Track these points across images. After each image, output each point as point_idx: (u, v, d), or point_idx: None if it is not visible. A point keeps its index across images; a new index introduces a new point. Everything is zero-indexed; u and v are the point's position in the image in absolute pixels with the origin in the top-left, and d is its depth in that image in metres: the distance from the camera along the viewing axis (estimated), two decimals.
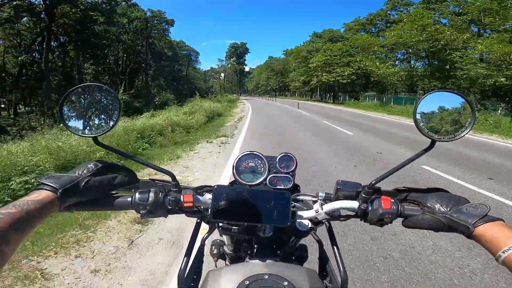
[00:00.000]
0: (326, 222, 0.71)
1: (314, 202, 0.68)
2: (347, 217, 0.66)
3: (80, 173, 0.58)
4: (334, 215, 0.66)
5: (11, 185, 3.33)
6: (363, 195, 0.61)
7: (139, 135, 7.38)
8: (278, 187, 0.75)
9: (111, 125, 0.59)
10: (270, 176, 0.75)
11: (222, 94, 55.43)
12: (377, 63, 24.08)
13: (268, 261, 0.62)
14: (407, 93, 26.81)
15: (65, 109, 0.58)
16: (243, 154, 0.75)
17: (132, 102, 28.41)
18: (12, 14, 22.54)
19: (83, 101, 0.60)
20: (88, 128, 0.59)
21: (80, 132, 0.59)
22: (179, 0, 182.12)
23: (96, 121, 0.60)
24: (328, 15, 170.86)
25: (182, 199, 0.62)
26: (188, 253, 0.65)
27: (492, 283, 2.11)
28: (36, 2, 24.08)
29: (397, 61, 25.20)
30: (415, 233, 2.73)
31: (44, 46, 25.55)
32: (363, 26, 43.56)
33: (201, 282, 0.62)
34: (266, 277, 0.54)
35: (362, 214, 0.62)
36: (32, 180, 3.44)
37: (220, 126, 11.89)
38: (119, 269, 2.26)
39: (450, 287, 2.09)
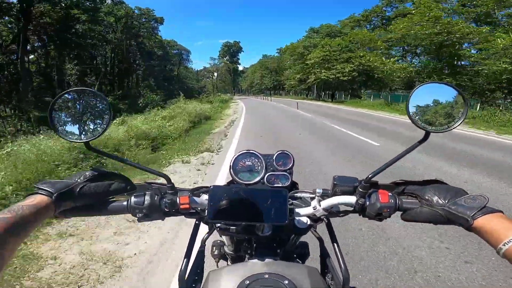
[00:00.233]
0: (325, 219, 0.70)
1: (312, 199, 0.68)
2: (346, 212, 0.66)
3: (77, 179, 0.58)
4: (332, 211, 0.65)
5: None
6: (360, 189, 0.60)
7: (82, 155, 5.11)
8: (275, 185, 0.75)
9: (102, 130, 0.58)
10: (267, 175, 0.75)
11: (214, 94, 53.36)
12: (383, 58, 21.95)
13: (268, 260, 0.62)
14: (404, 91, 25.00)
15: (55, 114, 0.56)
16: (240, 153, 0.75)
17: (117, 104, 26.28)
18: None
19: (72, 106, 0.59)
20: (79, 133, 0.58)
21: (71, 138, 0.58)
22: (170, 1, 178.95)
23: (87, 126, 0.59)
24: (322, 13, 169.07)
25: (178, 201, 0.61)
26: (188, 254, 0.66)
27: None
28: (10, 0, 22.15)
29: (402, 56, 22.91)
30: None
31: (20, 46, 23.57)
32: (358, 23, 42.71)
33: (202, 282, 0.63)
34: (266, 276, 0.54)
35: (360, 209, 0.61)
36: None
37: (206, 134, 9.62)
38: None
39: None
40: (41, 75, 34.24)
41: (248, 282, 0.52)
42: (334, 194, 0.65)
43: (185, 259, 0.64)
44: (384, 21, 41.78)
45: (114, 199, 0.63)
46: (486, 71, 15.46)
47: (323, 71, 29.47)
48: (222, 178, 4.46)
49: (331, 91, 36.12)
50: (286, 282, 0.53)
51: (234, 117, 15.68)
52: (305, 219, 0.67)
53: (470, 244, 2.51)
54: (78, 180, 0.58)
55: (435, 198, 0.55)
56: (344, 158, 5.95)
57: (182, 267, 0.63)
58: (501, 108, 14.20)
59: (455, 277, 2.12)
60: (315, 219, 0.68)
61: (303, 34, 38.96)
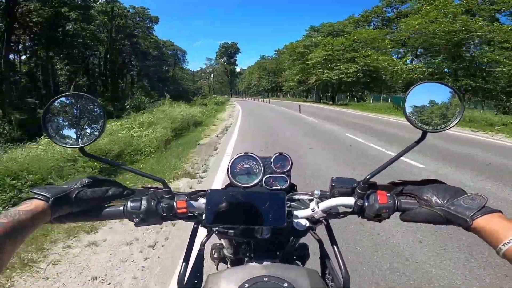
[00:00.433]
0: (324, 221, 0.70)
1: (311, 200, 0.67)
2: (344, 214, 0.65)
3: (73, 185, 0.58)
4: (331, 213, 0.65)
5: None
6: (359, 190, 0.60)
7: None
8: (274, 187, 0.75)
9: (96, 135, 0.58)
10: (265, 177, 0.74)
11: (210, 96, 51.43)
12: (394, 58, 20.03)
13: (267, 263, 0.62)
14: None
15: (48, 120, 0.56)
16: (237, 156, 0.75)
17: (105, 107, 24.36)
18: None
19: (66, 111, 0.58)
20: (73, 139, 0.58)
21: (65, 143, 0.57)
22: (167, 1, 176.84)
23: (81, 131, 0.58)
24: (321, 14, 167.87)
25: (175, 206, 0.61)
26: (186, 258, 0.65)
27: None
28: None
29: (415, 56, 20.99)
30: None
31: (4, 45, 22.03)
32: (358, 24, 41.57)
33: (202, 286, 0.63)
34: (266, 279, 0.54)
35: (359, 210, 0.61)
36: None
37: (191, 147, 7.60)
38: None
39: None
40: (27, 75, 32.51)
41: (247, 285, 0.52)
42: (333, 195, 0.64)
43: (184, 263, 0.64)
44: (385, 22, 40.82)
45: (111, 204, 0.62)
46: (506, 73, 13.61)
47: (325, 72, 27.41)
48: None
49: (332, 93, 34.22)
50: (286, 284, 0.53)
51: (229, 122, 13.68)
52: (303, 221, 0.67)
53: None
54: (75, 186, 0.58)
55: (434, 198, 0.55)
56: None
57: (181, 271, 0.63)
58: None
59: None
60: (314, 221, 0.67)
61: (301, 35, 37.46)
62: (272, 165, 0.77)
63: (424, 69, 19.13)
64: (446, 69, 19.27)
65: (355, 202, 0.60)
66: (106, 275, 2.21)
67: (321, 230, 0.71)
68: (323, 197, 0.66)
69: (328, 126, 11.54)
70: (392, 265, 2.28)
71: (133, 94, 37.36)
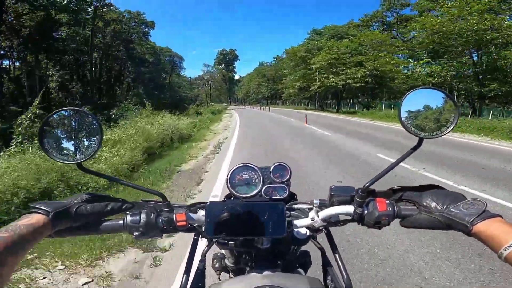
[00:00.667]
0: (324, 229, 0.70)
1: (310, 209, 0.67)
2: (344, 222, 0.65)
3: (73, 200, 0.58)
4: (331, 221, 0.65)
5: None
6: (357, 199, 0.60)
7: None
8: (273, 197, 0.74)
9: (94, 150, 0.57)
10: (265, 187, 0.74)
11: (207, 104, 49.42)
12: (411, 60, 17.88)
13: (269, 272, 0.62)
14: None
15: (44, 135, 0.56)
16: (236, 167, 0.75)
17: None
18: None
19: (63, 127, 0.58)
20: (70, 154, 0.57)
21: (62, 159, 0.57)
22: (165, 9, 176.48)
23: (78, 147, 0.58)
24: (320, 21, 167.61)
25: (175, 219, 0.60)
26: (187, 270, 0.65)
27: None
28: None
29: (434, 58, 18.86)
30: None
31: None
32: (358, 30, 39.78)
33: None
34: None
35: (358, 218, 0.61)
36: None
37: (165, 179, 5.28)
38: None
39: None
40: (14, 82, 30.70)
41: None
42: (332, 204, 0.65)
43: (185, 275, 0.64)
44: (385, 26, 39.62)
45: (110, 218, 0.62)
46: None
47: (331, 77, 25.18)
48: None
49: (337, 100, 32.06)
50: None
51: (224, 135, 11.39)
52: (304, 230, 0.67)
53: None
54: (75, 201, 0.58)
55: (433, 204, 0.55)
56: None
57: (183, 282, 0.63)
58: None
59: None
60: (314, 230, 0.67)
61: (300, 42, 35.72)
62: (271, 175, 0.76)
63: (444, 73, 16.94)
64: (462, 73, 17.15)
65: (355, 210, 0.60)
66: None
67: (322, 237, 0.72)
68: (322, 206, 0.66)
69: (349, 142, 9.18)
70: None
71: (127, 101, 35.89)
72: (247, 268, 0.71)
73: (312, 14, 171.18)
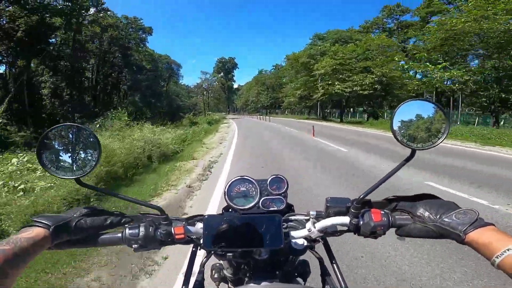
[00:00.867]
0: (321, 239, 0.70)
1: (307, 220, 0.68)
2: (341, 232, 0.66)
3: (73, 214, 0.59)
4: (327, 232, 0.66)
5: None
6: (353, 210, 0.61)
7: None
8: (271, 209, 0.74)
9: (93, 165, 0.58)
10: (262, 199, 0.74)
11: (205, 113, 47.69)
12: (428, 64, 16.03)
13: (267, 283, 0.62)
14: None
15: (43, 151, 0.57)
16: (234, 179, 0.75)
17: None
18: None
19: (61, 142, 0.59)
20: (69, 169, 0.58)
21: (61, 174, 0.57)
22: (164, 18, 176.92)
23: (77, 162, 0.58)
24: (320, 28, 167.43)
25: (173, 232, 0.61)
26: (186, 281, 0.65)
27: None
28: None
29: (456, 62, 17.07)
30: None
31: None
32: (362, 35, 38.46)
33: None
34: None
35: (354, 229, 0.62)
36: None
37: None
38: None
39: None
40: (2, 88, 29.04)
41: None
42: (328, 215, 0.65)
43: (184, 286, 0.64)
44: (386, 33, 38.47)
45: (108, 231, 0.62)
46: None
47: (336, 84, 23.29)
48: None
49: (340, 109, 30.22)
50: None
51: (218, 152, 9.42)
52: (301, 241, 0.68)
53: None
54: (74, 215, 0.59)
55: (427, 214, 0.56)
56: None
57: None
58: None
59: None
60: (311, 240, 0.68)
61: (300, 49, 34.17)
62: (268, 187, 0.76)
63: (466, 78, 15.12)
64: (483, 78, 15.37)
65: (350, 221, 0.61)
66: None
67: (320, 246, 0.72)
68: (319, 217, 0.66)
69: (376, 163, 7.22)
70: None
71: (122, 109, 34.60)
72: (246, 279, 0.71)
73: (311, 22, 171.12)
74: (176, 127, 17.74)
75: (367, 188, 0.59)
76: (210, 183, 5.36)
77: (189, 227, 0.64)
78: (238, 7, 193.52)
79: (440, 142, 0.55)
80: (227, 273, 0.79)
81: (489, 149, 9.52)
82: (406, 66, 17.84)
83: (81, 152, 0.59)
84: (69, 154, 0.58)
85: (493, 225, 0.50)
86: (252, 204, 0.71)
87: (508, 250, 0.45)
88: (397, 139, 0.55)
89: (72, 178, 0.57)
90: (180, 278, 2.22)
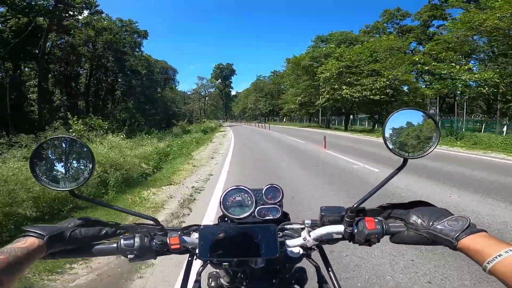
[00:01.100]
0: (316, 247, 0.70)
1: (302, 229, 0.68)
2: (336, 240, 0.66)
3: (67, 225, 0.59)
4: (323, 240, 0.66)
5: None
6: (347, 218, 0.61)
7: None
8: (266, 218, 0.74)
9: (86, 177, 0.58)
10: (258, 208, 0.74)
11: (201, 120, 45.63)
12: (454, 65, 13.99)
13: None
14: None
15: (36, 162, 0.56)
16: (230, 189, 0.75)
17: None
18: None
19: (54, 154, 0.58)
20: (62, 181, 0.58)
21: (54, 186, 0.57)
22: (162, 23, 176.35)
23: (70, 174, 0.58)
24: (319, 32, 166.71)
25: (168, 242, 0.61)
26: None
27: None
28: None
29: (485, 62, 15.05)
30: None
31: None
32: (368, 36, 37.16)
33: None
34: None
35: (349, 237, 0.62)
36: None
37: None
38: None
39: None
40: None
41: None
42: (323, 224, 0.65)
43: None
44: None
45: (103, 241, 0.62)
46: None
47: (344, 88, 21.20)
48: None
49: (346, 116, 28.12)
50: None
51: (207, 171, 7.16)
52: (297, 249, 0.68)
53: None
54: (69, 225, 0.59)
55: (419, 221, 0.56)
56: None
57: None
58: None
59: None
60: (307, 248, 0.68)
61: (299, 54, 32.33)
62: (263, 196, 0.76)
63: (497, 80, 13.06)
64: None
65: (345, 229, 0.61)
66: None
67: (316, 254, 0.73)
68: (314, 225, 0.66)
69: (466, 199, 4.99)
70: None
71: (117, 116, 33.01)
72: (243, 287, 0.70)
73: (309, 28, 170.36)
74: (163, 136, 15.52)
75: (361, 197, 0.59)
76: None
77: (184, 237, 0.63)
78: (236, 14, 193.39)
79: (431, 151, 0.55)
80: (224, 281, 0.77)
81: None
82: (426, 67, 15.79)
83: (75, 164, 0.58)
84: (62, 166, 0.57)
85: (485, 231, 0.50)
86: (248, 213, 0.71)
87: (499, 255, 0.45)
88: (389, 148, 0.56)
89: (66, 190, 0.57)
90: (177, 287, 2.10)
